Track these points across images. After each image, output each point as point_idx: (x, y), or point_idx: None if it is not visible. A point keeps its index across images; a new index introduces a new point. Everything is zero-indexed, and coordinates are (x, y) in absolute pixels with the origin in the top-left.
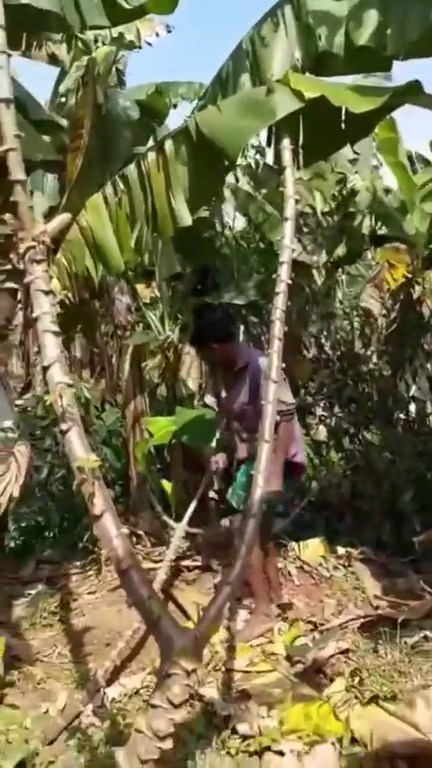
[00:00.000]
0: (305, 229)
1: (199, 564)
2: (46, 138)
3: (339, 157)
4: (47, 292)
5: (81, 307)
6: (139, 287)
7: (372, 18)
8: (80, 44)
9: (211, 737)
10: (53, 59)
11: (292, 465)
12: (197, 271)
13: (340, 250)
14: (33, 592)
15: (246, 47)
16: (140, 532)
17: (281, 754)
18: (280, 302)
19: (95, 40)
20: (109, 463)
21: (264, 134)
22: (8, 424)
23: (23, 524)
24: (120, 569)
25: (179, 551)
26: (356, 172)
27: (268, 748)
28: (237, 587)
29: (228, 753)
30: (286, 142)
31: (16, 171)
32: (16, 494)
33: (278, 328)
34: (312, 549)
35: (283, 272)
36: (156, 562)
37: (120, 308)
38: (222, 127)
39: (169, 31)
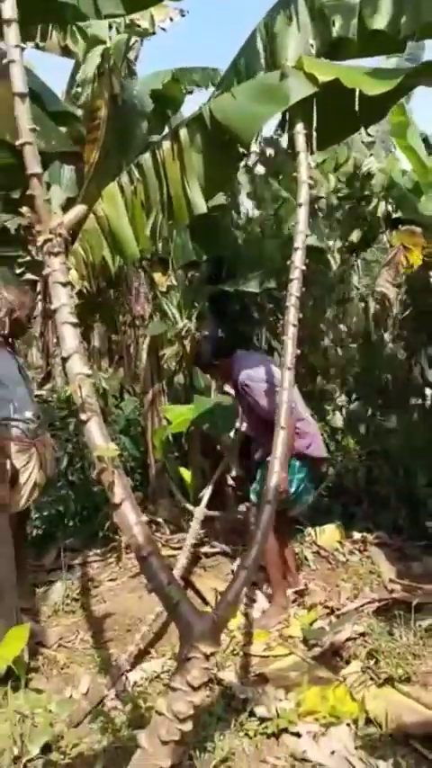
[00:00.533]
0: (320, 214)
1: (217, 550)
2: (62, 129)
3: (354, 140)
4: (65, 284)
5: (99, 296)
6: (156, 275)
7: (386, 2)
8: (81, 34)
9: (229, 720)
10: (66, 51)
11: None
12: (212, 260)
13: (355, 235)
14: (56, 579)
15: (260, 35)
16: (159, 520)
17: (298, 735)
18: (294, 288)
19: (110, 27)
20: (128, 452)
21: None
22: (29, 414)
23: (45, 513)
24: (140, 556)
25: (198, 537)
26: (371, 154)
27: (285, 730)
28: (253, 572)
29: (246, 735)
30: (299, 127)
31: (32, 164)
32: (40, 480)
33: (293, 314)
34: (328, 534)
35: (297, 258)
36: (175, 549)
37: (137, 298)
38: (236, 113)
39: (183, 15)
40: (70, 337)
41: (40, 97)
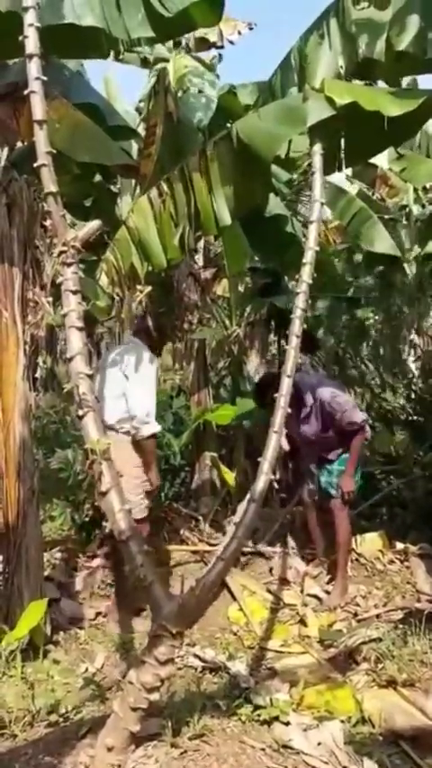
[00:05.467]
0: (404, 222)
1: (252, 550)
2: (122, 143)
3: None
4: (75, 292)
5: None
6: (210, 282)
7: (413, 22)
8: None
9: (226, 705)
10: (145, 63)
11: None
12: (268, 272)
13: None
14: (97, 565)
15: (293, 55)
16: (199, 516)
17: (289, 725)
18: (300, 301)
19: (177, 44)
20: (173, 450)
21: None
22: None
23: (95, 502)
24: (120, 540)
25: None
26: None
27: (277, 719)
28: (230, 564)
29: (239, 719)
30: (317, 147)
31: (48, 184)
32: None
33: (297, 326)
34: (369, 542)
35: (305, 274)
36: (211, 545)
37: (188, 304)
38: (258, 132)
39: (251, 29)
40: (75, 340)
41: (102, 113)
